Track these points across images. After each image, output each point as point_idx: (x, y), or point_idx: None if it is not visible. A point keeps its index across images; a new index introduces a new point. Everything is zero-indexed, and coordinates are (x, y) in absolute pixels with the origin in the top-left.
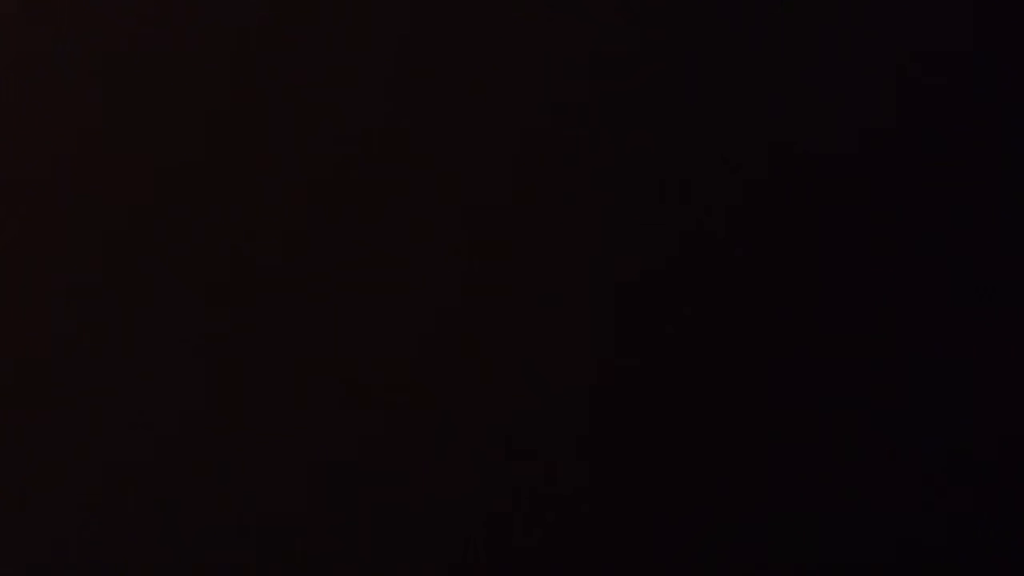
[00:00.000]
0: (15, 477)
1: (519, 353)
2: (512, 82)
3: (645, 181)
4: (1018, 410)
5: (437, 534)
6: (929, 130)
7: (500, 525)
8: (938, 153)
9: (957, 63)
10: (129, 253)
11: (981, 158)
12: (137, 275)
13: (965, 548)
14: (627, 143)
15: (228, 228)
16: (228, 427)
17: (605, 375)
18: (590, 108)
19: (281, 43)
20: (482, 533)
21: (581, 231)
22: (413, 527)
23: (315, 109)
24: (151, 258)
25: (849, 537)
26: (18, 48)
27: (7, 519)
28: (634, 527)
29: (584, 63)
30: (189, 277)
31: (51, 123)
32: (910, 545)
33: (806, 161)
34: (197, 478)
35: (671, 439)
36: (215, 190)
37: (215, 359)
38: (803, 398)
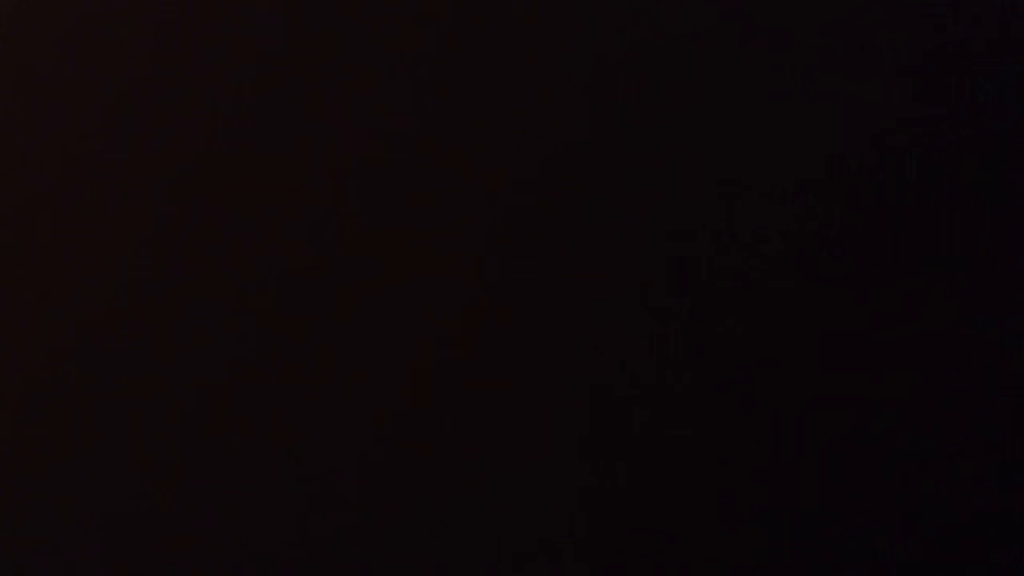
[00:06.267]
0: (15, 480)
1: (528, 357)
2: (523, 87)
3: (654, 184)
4: (1018, 410)
5: (440, 536)
6: (932, 131)
7: (504, 529)
8: (941, 154)
9: (959, 62)
10: (137, 257)
11: (982, 158)
12: (143, 278)
13: (966, 548)
14: (633, 146)
15: (230, 231)
16: (237, 429)
17: (610, 377)
18: (599, 111)
19: (293, 47)
20: (485, 536)
21: (591, 235)
22: (417, 530)
23: (322, 114)
24: (161, 263)
25: (852, 538)
26: (21, 49)
27: (7, 521)
28: (638, 531)
29: (594, 65)
30: (196, 283)
31: (53, 127)
32: (911, 545)
33: (809, 162)
34: (201, 482)
35: (676, 442)
36: (222, 193)
37: (225, 364)
38: (807, 399)
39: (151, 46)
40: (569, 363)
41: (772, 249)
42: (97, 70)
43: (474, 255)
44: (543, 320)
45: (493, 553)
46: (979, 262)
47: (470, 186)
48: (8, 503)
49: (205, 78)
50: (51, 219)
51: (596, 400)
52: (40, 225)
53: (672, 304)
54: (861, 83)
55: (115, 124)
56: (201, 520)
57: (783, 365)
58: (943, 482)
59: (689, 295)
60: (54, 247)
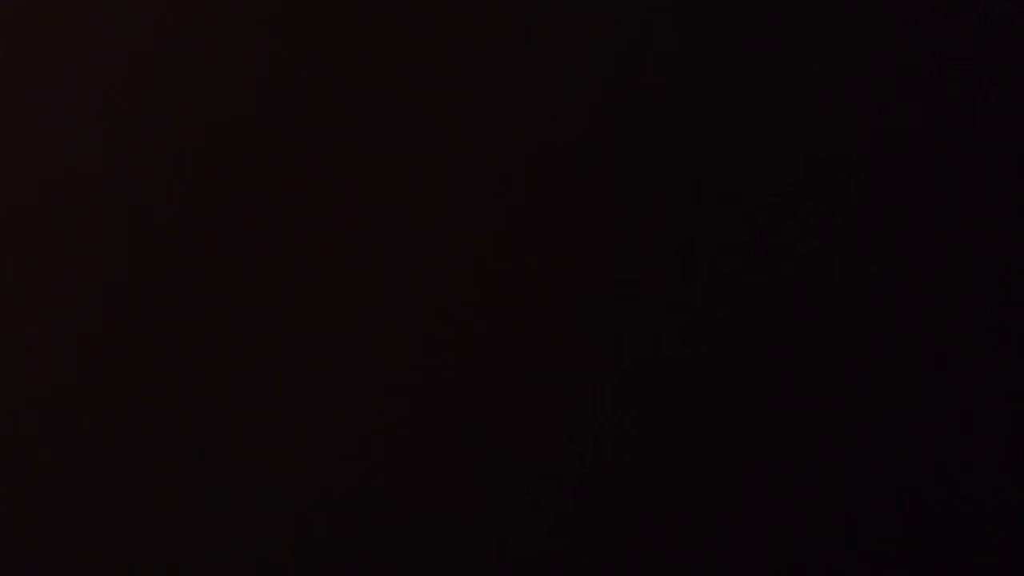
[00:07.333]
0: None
1: (527, 358)
2: (520, 85)
3: (655, 185)
4: (1018, 410)
5: (439, 541)
6: (934, 131)
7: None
8: (943, 154)
9: (960, 62)
10: (138, 257)
11: (983, 158)
12: (143, 278)
13: (966, 548)
14: (635, 146)
15: (230, 231)
16: (233, 431)
17: (613, 380)
18: (601, 112)
19: (291, 47)
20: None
21: (591, 235)
22: (417, 533)
23: (321, 114)
24: (158, 263)
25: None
26: (25, 50)
27: (10, 522)
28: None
29: (594, 64)
30: (196, 282)
31: (53, 128)
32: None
33: (814, 163)
34: (201, 482)
35: (678, 445)
36: (222, 193)
37: (217, 364)
38: (810, 399)
39: (151, 45)
40: (569, 363)
41: (773, 249)
42: (96, 70)
43: (475, 255)
44: (542, 320)
45: (494, 553)
46: (979, 262)
47: (471, 185)
48: (8, 503)
49: (204, 78)
50: (51, 220)
51: (595, 400)
52: (39, 226)
53: (672, 304)
54: (860, 83)
55: (114, 124)
56: (201, 520)
57: (783, 365)
58: (943, 481)
59: (689, 295)
60: (54, 247)
